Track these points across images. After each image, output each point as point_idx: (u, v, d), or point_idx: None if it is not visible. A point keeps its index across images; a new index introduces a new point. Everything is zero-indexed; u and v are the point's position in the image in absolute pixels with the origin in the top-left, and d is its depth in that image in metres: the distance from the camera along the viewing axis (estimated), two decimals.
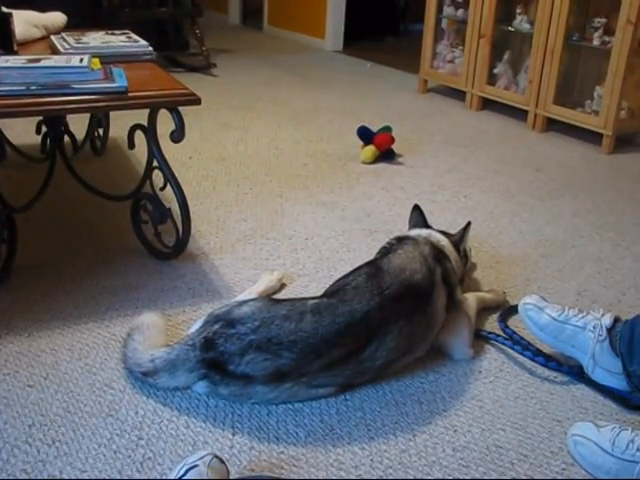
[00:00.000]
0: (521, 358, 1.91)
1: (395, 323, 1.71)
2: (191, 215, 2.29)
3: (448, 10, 4.93)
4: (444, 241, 2.08)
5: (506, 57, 4.51)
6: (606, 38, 3.95)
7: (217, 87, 5.00)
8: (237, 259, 2.40)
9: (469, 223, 2.21)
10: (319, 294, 1.87)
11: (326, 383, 1.69)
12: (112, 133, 3.36)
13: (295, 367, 1.62)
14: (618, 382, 1.77)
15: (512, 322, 2.06)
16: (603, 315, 1.83)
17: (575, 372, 1.83)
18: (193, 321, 1.94)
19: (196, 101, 2.09)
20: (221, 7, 8.17)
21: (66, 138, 2.59)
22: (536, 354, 1.89)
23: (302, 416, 1.66)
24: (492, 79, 4.57)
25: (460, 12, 4.78)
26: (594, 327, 1.80)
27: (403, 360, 1.80)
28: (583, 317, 1.84)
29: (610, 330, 1.79)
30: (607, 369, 1.78)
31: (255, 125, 4.06)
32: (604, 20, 3.97)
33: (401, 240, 2.02)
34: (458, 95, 4.79)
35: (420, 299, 1.79)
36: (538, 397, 1.77)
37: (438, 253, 1.97)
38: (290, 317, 1.65)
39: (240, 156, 3.48)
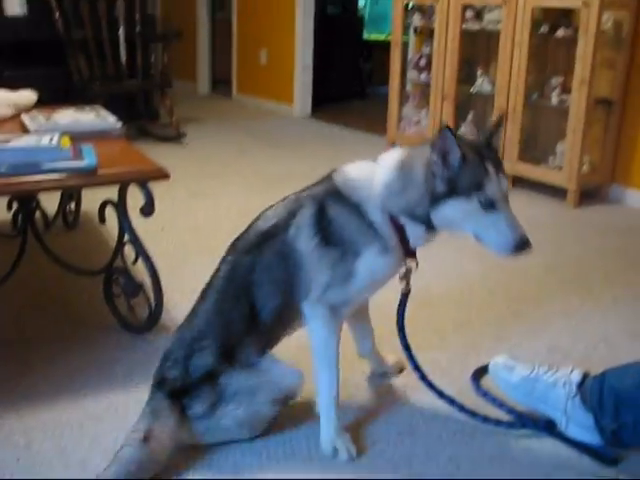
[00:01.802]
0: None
1: (254, 271, 1.74)
2: (164, 287, 2.30)
3: (412, 74, 5.08)
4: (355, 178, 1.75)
5: (470, 117, 4.64)
6: (564, 97, 4.09)
7: (188, 156, 5.06)
8: None
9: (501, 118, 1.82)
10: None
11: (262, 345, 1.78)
12: (84, 206, 3.37)
13: (227, 344, 1.74)
14: (592, 437, 1.79)
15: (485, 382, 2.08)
16: (572, 371, 1.86)
17: (549, 429, 1.85)
18: None
19: (164, 176, 2.13)
20: (190, 76, 8.32)
21: (38, 213, 2.61)
22: (510, 411, 1.91)
23: None
24: None
25: (423, 75, 4.93)
26: (564, 384, 1.82)
27: (297, 306, 1.76)
28: (553, 374, 1.87)
29: (580, 386, 1.81)
30: (580, 425, 1.80)
31: (226, 193, 4.11)
32: (561, 79, 4.12)
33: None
34: None
35: (272, 241, 1.74)
36: (513, 456, 1.78)
37: (325, 195, 1.73)
38: (193, 317, 1.82)
39: (212, 225, 3.52)
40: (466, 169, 1.58)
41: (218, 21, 8.20)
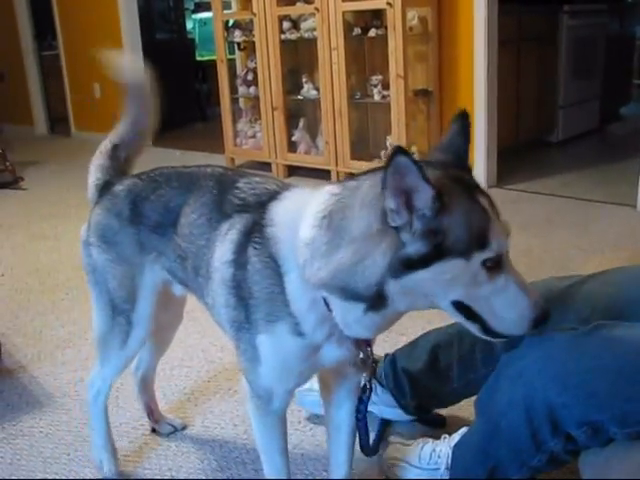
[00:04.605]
0: None
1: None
2: (6, 331, 2.27)
3: (241, 89, 5.17)
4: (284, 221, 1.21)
5: (301, 124, 4.77)
6: (385, 92, 4.29)
7: (27, 200, 4.93)
8: (56, 365, 2.38)
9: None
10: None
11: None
12: None
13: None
14: (401, 414, 1.86)
15: None
16: None
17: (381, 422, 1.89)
18: (14, 437, 1.92)
19: None
20: (25, 119, 8.06)
21: None
22: None
23: None
24: (293, 146, 4.81)
25: (252, 89, 5.03)
26: None
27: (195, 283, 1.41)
28: None
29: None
30: (389, 405, 1.85)
31: (68, 231, 4.02)
32: (380, 77, 4.33)
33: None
34: (265, 167, 4.99)
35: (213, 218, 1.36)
36: None
37: (254, 227, 1.24)
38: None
39: (54, 264, 3.45)
40: (453, 215, 1.02)
41: (47, 58, 8.00)
